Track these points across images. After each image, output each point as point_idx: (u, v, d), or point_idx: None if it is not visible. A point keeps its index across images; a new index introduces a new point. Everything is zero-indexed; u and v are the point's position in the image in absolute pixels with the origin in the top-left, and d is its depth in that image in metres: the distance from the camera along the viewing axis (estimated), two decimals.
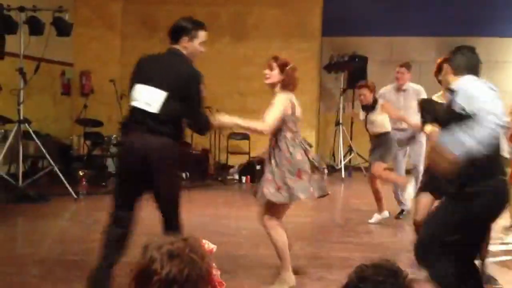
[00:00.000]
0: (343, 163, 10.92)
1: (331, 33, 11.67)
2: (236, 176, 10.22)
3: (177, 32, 3.76)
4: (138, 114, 3.61)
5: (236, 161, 10.78)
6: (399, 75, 7.11)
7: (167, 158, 3.63)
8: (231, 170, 10.51)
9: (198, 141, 10.70)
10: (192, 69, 3.71)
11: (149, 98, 3.59)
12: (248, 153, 10.88)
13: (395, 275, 1.64)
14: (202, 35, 3.78)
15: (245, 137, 10.99)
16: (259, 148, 10.98)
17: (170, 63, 3.71)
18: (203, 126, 3.93)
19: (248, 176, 10.06)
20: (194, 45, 3.75)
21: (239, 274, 4.50)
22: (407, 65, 7.22)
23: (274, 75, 4.23)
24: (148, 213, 6.65)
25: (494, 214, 3.22)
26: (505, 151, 3.31)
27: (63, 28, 8.06)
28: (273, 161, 4.22)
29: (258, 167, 10.01)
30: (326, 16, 11.66)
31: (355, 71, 11.27)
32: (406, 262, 4.73)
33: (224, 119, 4.06)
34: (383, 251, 5.38)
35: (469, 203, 3.09)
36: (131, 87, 3.73)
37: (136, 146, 3.62)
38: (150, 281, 1.55)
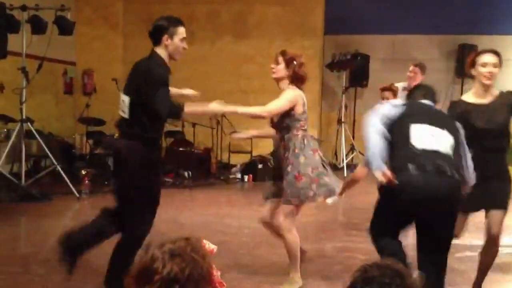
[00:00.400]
0: (345, 161, 10.91)
1: (333, 31, 11.65)
2: (239, 175, 10.23)
3: (156, 33, 3.75)
4: (119, 121, 3.86)
5: (238, 160, 10.78)
6: (412, 74, 6.70)
7: (127, 159, 3.72)
8: (233, 169, 10.51)
9: (200, 140, 10.71)
10: (149, 67, 3.67)
11: (122, 104, 3.77)
12: (250, 152, 10.88)
13: (401, 276, 1.63)
14: (181, 31, 3.76)
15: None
16: (261, 147, 11.00)
17: (138, 67, 3.76)
18: (165, 112, 3.78)
19: (251, 175, 10.05)
20: (175, 42, 3.73)
21: (241, 273, 4.50)
22: (421, 66, 6.81)
23: (280, 69, 4.16)
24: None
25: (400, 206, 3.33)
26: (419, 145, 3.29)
27: (65, 27, 8.07)
28: (285, 163, 4.18)
29: (260, 166, 10.02)
30: (328, 14, 11.64)
31: (357, 70, 11.26)
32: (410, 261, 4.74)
33: (220, 107, 3.93)
34: None
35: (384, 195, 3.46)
36: None
37: (112, 150, 4.10)
38: (151, 280, 1.55)
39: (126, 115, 3.74)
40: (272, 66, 4.21)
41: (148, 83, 3.62)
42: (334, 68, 11.47)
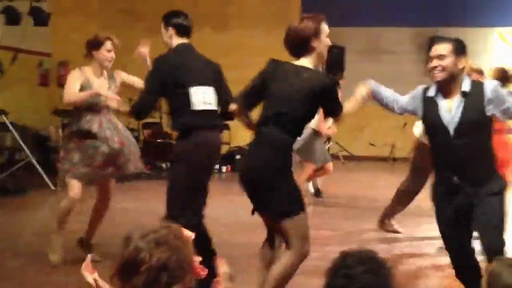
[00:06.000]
0: None
1: None
2: (216, 166, 10.22)
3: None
4: (203, 113, 3.84)
5: None
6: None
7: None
8: None
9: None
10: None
11: (205, 96, 3.81)
12: (229, 143, 10.89)
13: (379, 265, 1.68)
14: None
15: (225, 127, 10.98)
16: (240, 137, 11.00)
17: (211, 62, 4.11)
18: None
19: (229, 166, 10.06)
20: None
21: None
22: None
23: None
24: (133, 205, 6.63)
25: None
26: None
27: (40, 18, 7.97)
28: None
29: (238, 156, 10.04)
30: (306, 6, 11.70)
31: (332, 61, 11.32)
32: (384, 249, 4.83)
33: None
34: (360, 238, 5.45)
35: None
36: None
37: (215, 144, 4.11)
38: (136, 271, 1.54)
39: (213, 106, 3.81)
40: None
41: (224, 82, 3.95)
42: None
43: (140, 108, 3.84)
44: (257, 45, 11.35)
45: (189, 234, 1.68)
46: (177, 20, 3.88)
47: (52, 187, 7.60)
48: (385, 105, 3.49)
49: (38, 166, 7.68)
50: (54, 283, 4.09)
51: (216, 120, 3.85)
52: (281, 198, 3.12)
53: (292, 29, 3.27)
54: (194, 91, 3.72)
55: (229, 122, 11.22)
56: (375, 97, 3.51)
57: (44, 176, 7.62)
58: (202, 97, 3.74)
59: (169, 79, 3.72)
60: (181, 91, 3.71)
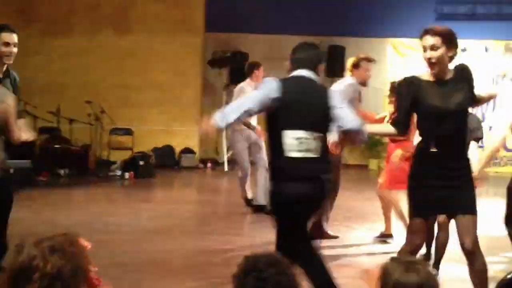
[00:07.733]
0: (225, 157, 11.12)
1: (214, 29, 11.81)
2: (118, 172, 10.03)
3: None
4: None
5: (119, 156, 10.57)
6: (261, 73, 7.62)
7: None
8: (113, 166, 10.30)
9: (77, 137, 10.38)
10: None
11: None
12: (131, 149, 10.73)
13: (287, 266, 1.75)
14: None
15: (128, 132, 10.82)
16: (143, 143, 10.86)
17: None
18: None
19: (132, 172, 9.90)
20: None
21: (120, 271, 4.45)
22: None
23: None
24: (27, 214, 6.36)
25: None
26: None
27: None
28: None
29: (141, 162, 9.90)
30: (210, 12, 11.79)
31: (236, 67, 11.51)
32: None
33: None
34: (266, 242, 5.57)
35: None
36: None
37: None
38: (29, 279, 1.50)
39: None
40: None
41: None
42: (215, 65, 11.66)
43: None
44: (160, 50, 11.27)
45: (85, 244, 1.66)
46: None
47: None
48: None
49: None
50: None
51: None
52: None
53: None
54: None
55: (132, 127, 11.12)
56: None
57: None
58: None
59: None
60: None
